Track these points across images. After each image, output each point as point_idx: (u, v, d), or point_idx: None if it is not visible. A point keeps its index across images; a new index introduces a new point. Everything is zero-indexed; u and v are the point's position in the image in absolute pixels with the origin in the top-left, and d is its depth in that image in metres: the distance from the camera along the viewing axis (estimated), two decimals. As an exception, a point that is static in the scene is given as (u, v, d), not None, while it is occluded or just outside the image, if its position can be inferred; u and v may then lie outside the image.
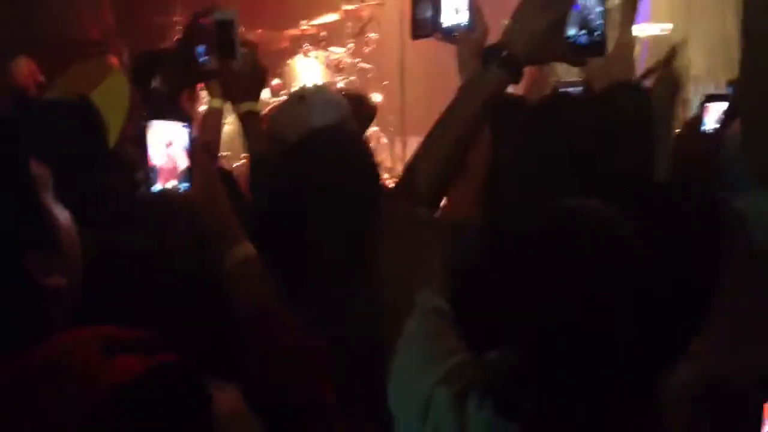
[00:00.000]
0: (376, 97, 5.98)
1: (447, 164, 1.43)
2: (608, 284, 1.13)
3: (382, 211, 1.63)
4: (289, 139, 2.10)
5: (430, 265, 1.35)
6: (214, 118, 2.64)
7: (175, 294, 1.43)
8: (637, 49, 4.64)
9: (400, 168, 5.55)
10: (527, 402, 1.14)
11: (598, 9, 1.45)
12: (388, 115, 6.07)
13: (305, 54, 5.63)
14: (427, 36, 1.95)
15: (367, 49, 5.99)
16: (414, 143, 1.51)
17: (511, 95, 2.18)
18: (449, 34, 1.88)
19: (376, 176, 1.90)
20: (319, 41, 5.80)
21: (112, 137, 1.71)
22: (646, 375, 1.16)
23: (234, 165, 4.71)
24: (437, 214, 1.56)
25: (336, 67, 5.75)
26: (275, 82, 5.57)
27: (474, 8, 1.87)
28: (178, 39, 2.26)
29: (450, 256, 1.39)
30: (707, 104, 2.44)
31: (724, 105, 2.40)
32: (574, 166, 1.64)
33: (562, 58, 1.50)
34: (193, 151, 1.31)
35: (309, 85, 5.36)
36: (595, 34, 1.45)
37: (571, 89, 2.34)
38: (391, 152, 6.03)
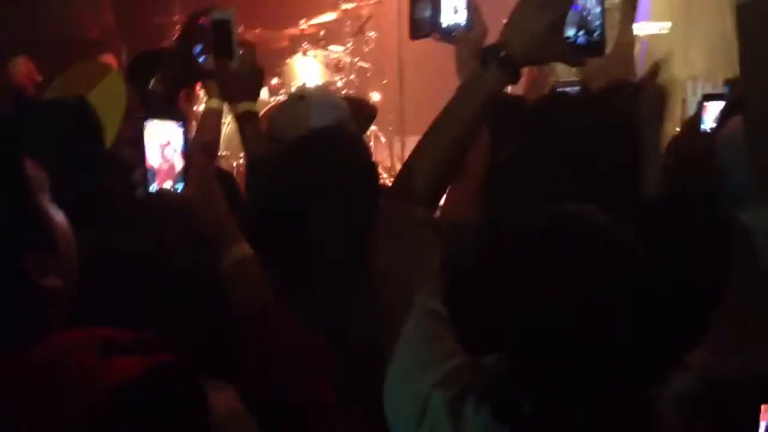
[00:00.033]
0: (375, 96, 5.98)
1: (445, 164, 1.42)
2: (608, 288, 1.13)
3: (381, 211, 1.63)
4: (288, 138, 2.10)
5: (428, 266, 1.35)
6: (212, 119, 2.64)
7: (172, 294, 1.42)
8: (637, 48, 4.64)
9: (398, 167, 5.55)
10: (524, 406, 1.13)
11: (598, 9, 1.44)
12: (387, 114, 6.06)
13: (304, 53, 5.63)
14: (425, 36, 1.94)
15: (366, 48, 5.98)
16: (413, 142, 1.50)
17: (510, 95, 2.18)
18: (448, 34, 1.87)
19: (375, 176, 1.90)
20: (318, 40, 5.79)
21: (109, 138, 1.71)
22: (645, 380, 1.15)
23: (233, 164, 4.72)
24: (435, 214, 1.56)
25: (335, 66, 5.74)
26: (274, 81, 5.56)
27: (472, 8, 1.87)
28: (176, 38, 2.25)
29: (448, 256, 1.39)
30: (706, 103, 2.45)
31: (722, 104, 2.40)
32: (571, 166, 1.64)
33: (561, 59, 1.49)
34: (189, 151, 1.31)
35: (308, 84, 5.36)
36: (595, 34, 1.45)
37: (569, 89, 2.34)
38: (390, 151, 6.03)
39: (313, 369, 1.38)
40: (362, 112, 2.84)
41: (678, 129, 2.89)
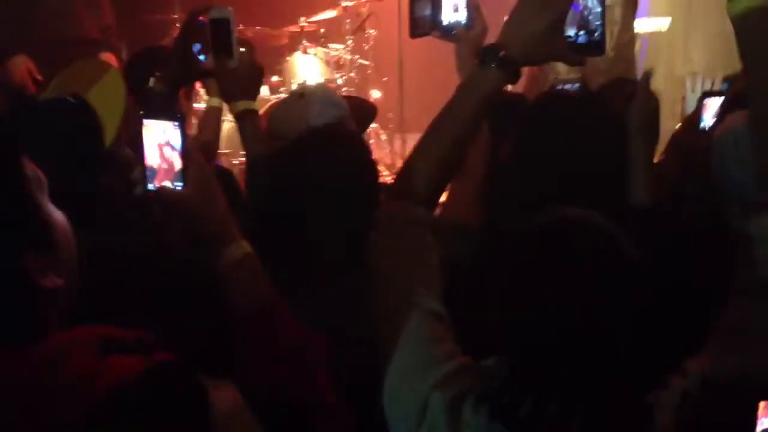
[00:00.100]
0: (376, 94, 5.98)
1: (444, 164, 1.42)
2: (607, 289, 1.13)
3: (381, 211, 1.62)
4: (287, 136, 2.10)
5: (428, 266, 1.35)
6: (213, 118, 2.65)
7: (172, 294, 1.43)
8: (637, 45, 4.63)
9: (399, 164, 5.55)
10: (523, 407, 1.13)
11: (598, 9, 1.44)
12: (387, 112, 6.07)
13: (304, 51, 5.62)
14: (425, 34, 1.94)
15: (366, 46, 5.98)
16: (413, 140, 1.50)
17: (510, 93, 2.18)
18: (448, 33, 1.87)
19: (375, 174, 1.89)
20: (317, 38, 5.79)
21: (109, 137, 1.71)
22: (644, 383, 1.15)
23: (234, 162, 4.72)
24: (435, 213, 1.56)
25: (335, 64, 5.74)
26: (274, 79, 5.56)
27: (472, 6, 1.86)
28: (175, 37, 2.25)
29: (448, 256, 1.39)
30: (706, 101, 2.44)
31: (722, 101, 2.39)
32: (568, 163, 1.64)
33: (561, 58, 1.49)
34: (187, 150, 1.31)
35: (308, 81, 5.36)
36: (595, 34, 1.44)
37: (568, 86, 2.34)
38: (391, 149, 6.03)
39: (314, 367, 1.38)
40: (362, 111, 2.84)
41: (678, 126, 2.89)
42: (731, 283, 1.25)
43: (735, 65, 1.41)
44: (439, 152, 1.40)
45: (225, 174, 2.48)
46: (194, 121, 3.51)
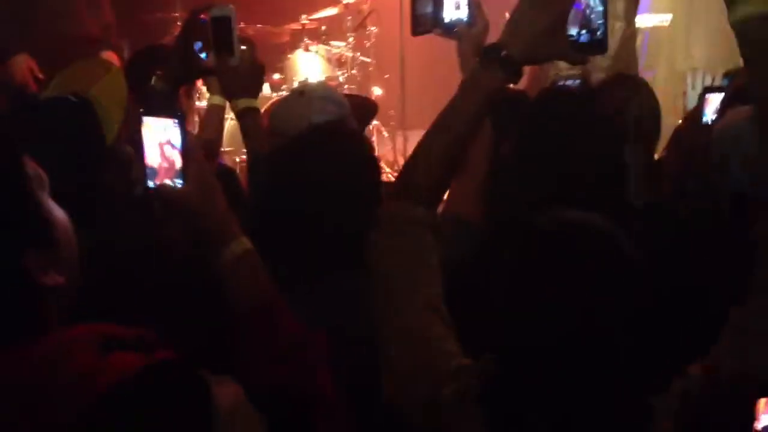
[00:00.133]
0: (377, 91, 5.98)
1: (446, 163, 1.42)
2: (608, 289, 1.13)
3: (382, 210, 1.62)
4: (288, 134, 2.10)
5: (428, 266, 1.34)
6: (215, 116, 2.64)
7: (173, 291, 1.43)
8: (639, 41, 4.63)
9: (401, 161, 5.55)
10: (524, 408, 1.13)
11: (600, 8, 1.44)
12: (389, 109, 6.07)
13: (306, 48, 5.63)
14: (427, 32, 1.94)
15: (367, 43, 5.98)
16: (415, 136, 1.50)
17: (512, 90, 2.18)
18: (449, 30, 1.87)
19: (377, 171, 1.89)
20: (319, 35, 5.79)
21: (110, 135, 1.71)
22: (645, 385, 1.15)
23: (236, 160, 4.72)
24: (438, 212, 1.55)
25: (337, 61, 5.75)
26: (276, 76, 5.57)
27: (474, 4, 1.86)
28: (176, 35, 2.25)
29: (449, 254, 1.39)
30: (707, 96, 2.44)
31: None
32: (569, 162, 1.64)
33: (563, 57, 1.48)
34: (187, 148, 1.31)
35: (310, 79, 5.36)
36: (597, 33, 1.44)
37: (569, 82, 2.34)
38: (392, 146, 6.03)
39: (314, 363, 1.38)
40: (363, 109, 2.84)
41: (680, 122, 2.89)
42: (748, 281, 1.24)
43: (736, 61, 1.41)
44: (440, 152, 1.40)
45: (227, 172, 2.48)
46: (196, 119, 3.52)
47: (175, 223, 1.43)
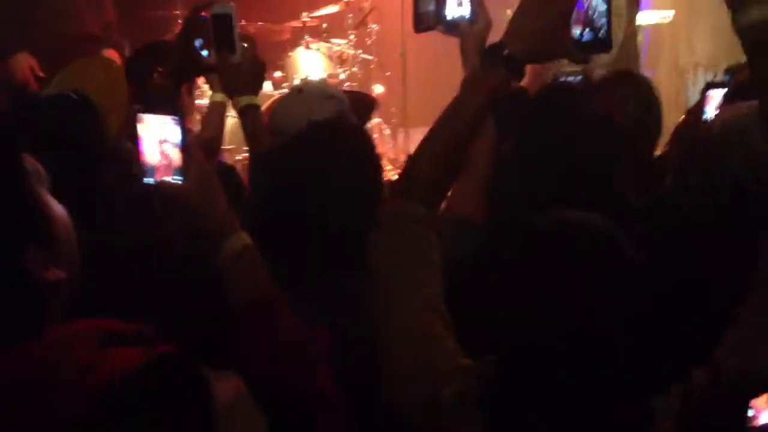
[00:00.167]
0: (379, 88, 5.97)
1: (448, 162, 1.41)
2: (608, 290, 1.12)
3: (383, 208, 1.62)
4: (288, 132, 2.10)
5: (429, 266, 1.34)
6: (217, 114, 2.64)
7: (173, 286, 1.43)
8: (640, 37, 4.62)
9: (402, 159, 5.55)
10: (524, 409, 1.13)
11: (603, 8, 1.43)
12: (391, 107, 6.07)
13: (307, 46, 5.62)
14: (429, 29, 1.94)
15: (368, 41, 5.97)
16: (416, 134, 1.50)
17: (514, 88, 2.17)
18: (452, 27, 1.87)
19: (379, 168, 1.89)
20: (320, 33, 5.78)
21: (111, 133, 1.71)
22: (646, 386, 1.15)
23: (237, 158, 4.72)
24: (439, 211, 1.55)
25: (338, 59, 5.74)
26: (277, 74, 5.56)
27: (476, 1, 1.86)
28: (177, 33, 2.25)
29: (451, 253, 1.38)
30: (709, 92, 2.44)
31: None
32: (569, 161, 1.63)
33: (565, 56, 1.48)
34: (186, 145, 1.31)
35: (311, 77, 5.36)
36: (601, 32, 1.43)
37: (570, 78, 2.33)
38: (394, 143, 6.03)
39: (314, 360, 1.38)
40: (362, 104, 2.84)
41: (681, 118, 2.88)
42: (749, 277, 1.23)
43: (738, 57, 1.40)
44: (442, 151, 1.39)
45: (228, 170, 2.48)
46: (197, 116, 3.52)
47: (175, 219, 1.44)
